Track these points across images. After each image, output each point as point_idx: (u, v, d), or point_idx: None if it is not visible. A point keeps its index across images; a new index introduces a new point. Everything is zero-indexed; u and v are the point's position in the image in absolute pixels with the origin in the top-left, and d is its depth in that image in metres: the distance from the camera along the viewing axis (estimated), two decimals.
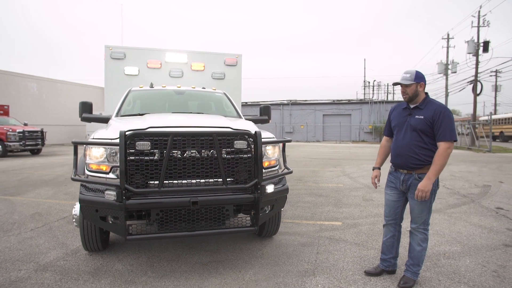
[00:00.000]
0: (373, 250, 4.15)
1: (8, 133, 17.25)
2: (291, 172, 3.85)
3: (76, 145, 3.54)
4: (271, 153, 3.81)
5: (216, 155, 3.21)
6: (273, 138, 3.90)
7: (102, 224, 3.25)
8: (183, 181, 3.21)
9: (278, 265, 3.70)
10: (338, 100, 41.02)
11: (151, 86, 5.59)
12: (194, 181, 3.24)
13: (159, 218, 3.16)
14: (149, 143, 3.06)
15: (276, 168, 3.93)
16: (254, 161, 3.31)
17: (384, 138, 3.55)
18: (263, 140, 3.59)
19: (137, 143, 3.04)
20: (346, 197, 7.31)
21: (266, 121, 5.72)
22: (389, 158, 3.43)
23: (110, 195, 2.98)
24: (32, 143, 17.85)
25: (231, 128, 3.41)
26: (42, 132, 18.42)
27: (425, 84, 3.15)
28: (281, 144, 4.07)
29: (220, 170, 3.19)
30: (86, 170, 3.40)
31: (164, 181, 3.16)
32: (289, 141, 3.88)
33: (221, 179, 3.26)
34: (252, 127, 3.66)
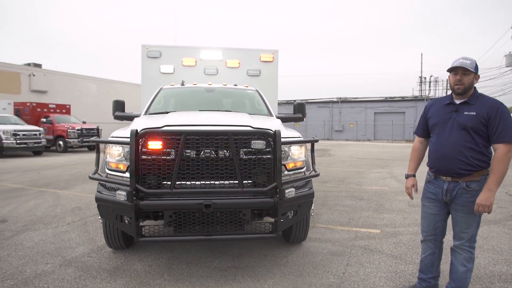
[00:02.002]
0: (412, 265, 3.68)
1: (69, 130, 18.68)
2: (317, 175, 3.52)
3: (98, 143, 3.56)
4: (297, 153, 3.51)
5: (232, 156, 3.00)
6: (299, 137, 3.60)
7: (117, 223, 3.20)
8: (197, 183, 3.05)
9: (301, 276, 3.40)
10: (390, 98, 38.92)
11: (182, 84, 5.54)
12: (208, 182, 3.06)
13: (172, 220, 3.04)
14: (161, 142, 2.94)
15: (303, 170, 3.61)
16: (273, 163, 3.05)
17: (417, 139, 3.03)
18: (287, 139, 3.32)
19: (149, 142, 2.93)
20: (389, 201, 6.74)
21: (300, 119, 5.40)
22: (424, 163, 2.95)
23: (121, 195, 2.91)
24: (89, 140, 19.12)
25: (250, 127, 3.18)
26: (98, 129, 19.65)
27: (478, 78, 2.68)
28: (309, 144, 3.76)
29: (236, 171, 2.98)
30: (106, 168, 3.38)
31: (177, 182, 3.02)
32: (316, 141, 3.55)
33: (237, 181, 3.04)
34: (275, 126, 3.41)
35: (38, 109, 20.06)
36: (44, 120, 19.37)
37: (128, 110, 5.21)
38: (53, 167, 12.37)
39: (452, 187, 2.67)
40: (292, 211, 3.35)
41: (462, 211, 2.64)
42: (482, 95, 2.67)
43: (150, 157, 2.96)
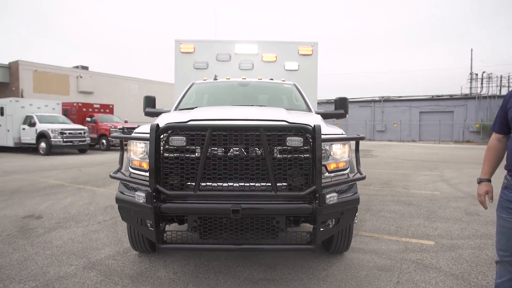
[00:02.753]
0: (478, 287, 3.08)
1: (111, 129, 19.32)
2: (363, 178, 3.03)
3: (121, 140, 3.33)
4: (340, 153, 3.05)
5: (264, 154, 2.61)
6: (343, 134, 3.14)
7: (138, 227, 2.94)
8: (225, 185, 2.69)
9: None
10: (437, 96, 36.61)
11: (215, 78, 5.25)
12: (238, 185, 2.69)
13: (196, 226, 2.71)
14: (184, 138, 2.62)
15: (346, 172, 3.14)
16: (312, 163, 2.63)
17: (494, 137, 2.46)
18: (328, 136, 2.88)
19: (171, 138, 2.62)
20: (442, 208, 6.01)
21: (342, 115, 4.89)
22: (501, 165, 2.36)
23: (140, 196, 2.62)
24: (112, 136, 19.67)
25: (285, 122, 2.78)
26: None
27: None
28: (353, 143, 3.29)
29: (268, 172, 2.59)
30: (129, 167, 3.14)
31: (203, 184, 2.69)
32: (362, 138, 3.06)
33: (270, 184, 2.65)
34: (314, 121, 2.98)
35: (84, 109, 20.97)
36: (88, 119, 20.21)
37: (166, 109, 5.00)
38: (95, 164, 12.71)
39: None
40: (333, 219, 2.90)
41: None
42: None
43: (172, 155, 2.65)
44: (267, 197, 2.62)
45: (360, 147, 3.28)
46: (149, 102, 4.97)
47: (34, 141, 16.88)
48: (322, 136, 2.73)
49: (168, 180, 2.68)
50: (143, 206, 2.63)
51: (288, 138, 2.60)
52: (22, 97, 22.43)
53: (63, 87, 25.74)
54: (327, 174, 2.91)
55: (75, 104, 21.05)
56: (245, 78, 5.23)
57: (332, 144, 2.98)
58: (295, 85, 5.15)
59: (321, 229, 2.81)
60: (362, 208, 5.91)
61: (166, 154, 2.65)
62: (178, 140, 2.61)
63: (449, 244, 4.17)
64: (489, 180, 2.43)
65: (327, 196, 2.59)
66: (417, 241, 4.28)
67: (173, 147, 2.64)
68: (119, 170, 3.15)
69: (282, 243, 2.70)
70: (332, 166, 2.98)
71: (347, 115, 5.04)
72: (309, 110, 4.53)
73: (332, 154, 2.99)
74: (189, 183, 2.72)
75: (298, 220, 2.86)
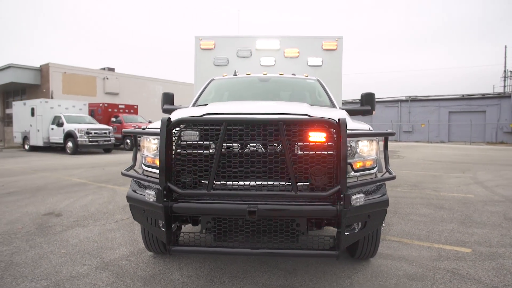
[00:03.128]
0: None
1: (135, 129, 19.59)
2: (393, 178, 2.75)
3: (135, 135, 3.19)
4: (367, 150, 2.78)
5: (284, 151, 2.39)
6: (370, 130, 2.86)
7: (150, 227, 2.78)
8: (241, 183, 2.49)
9: None
10: (468, 95, 35.02)
11: (235, 74, 5.07)
12: (255, 183, 2.48)
13: (210, 227, 2.52)
14: (197, 133, 2.44)
15: (374, 171, 2.86)
16: (336, 160, 2.38)
17: None
18: (354, 132, 2.63)
19: (183, 133, 2.45)
20: (478, 212, 5.56)
21: (369, 112, 4.59)
22: None
23: (150, 194, 2.46)
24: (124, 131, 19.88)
25: (307, 115, 2.55)
26: None
27: None
28: (382, 140, 3.01)
29: (288, 170, 2.36)
30: (142, 164, 3.00)
31: (217, 182, 2.50)
32: (392, 134, 2.78)
33: (290, 183, 2.42)
34: (340, 116, 2.73)
35: (109, 109, 21.41)
36: (113, 119, 20.60)
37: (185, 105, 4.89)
38: (118, 164, 12.86)
39: None
40: (359, 223, 2.63)
41: None
42: None
43: (185, 151, 2.48)
44: (286, 197, 2.39)
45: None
46: (168, 99, 4.86)
47: (61, 141, 17.37)
48: (348, 132, 2.49)
49: (181, 178, 2.51)
50: (153, 205, 2.47)
51: (310, 133, 2.36)
52: (52, 98, 23.20)
53: (90, 88, 26.44)
54: (352, 173, 2.65)
55: (101, 104, 21.52)
56: (266, 74, 5.02)
57: (358, 141, 2.71)
58: (318, 80, 4.90)
59: (346, 234, 2.57)
60: (390, 210, 5.56)
61: (178, 150, 2.48)
62: (191, 135, 2.44)
63: (488, 252, 3.79)
64: None
65: (353, 197, 2.33)
66: (451, 248, 3.92)
67: (185, 143, 2.47)
68: (132, 168, 3.02)
69: (302, 248, 2.46)
70: (358, 165, 2.72)
71: (374, 112, 4.74)
72: (333, 106, 4.26)
73: (358, 151, 2.73)
74: (203, 181, 2.53)
75: (321, 223, 2.61)
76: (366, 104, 4.61)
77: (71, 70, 25.63)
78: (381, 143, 2.99)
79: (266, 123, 2.38)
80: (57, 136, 17.66)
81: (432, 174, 10.13)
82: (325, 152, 2.41)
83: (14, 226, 4.72)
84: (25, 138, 19.40)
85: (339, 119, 2.33)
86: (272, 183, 2.46)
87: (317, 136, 2.35)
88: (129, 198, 2.78)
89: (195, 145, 2.46)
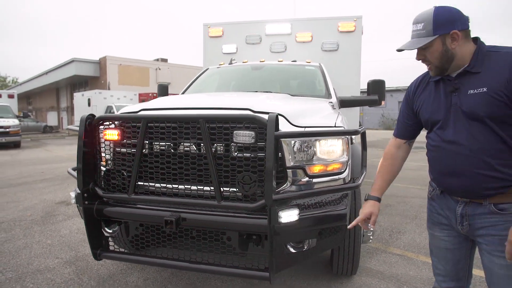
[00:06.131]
0: None
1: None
2: (355, 186, 2.25)
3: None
4: (329, 151, 2.32)
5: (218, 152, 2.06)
6: (336, 127, 2.38)
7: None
8: (169, 186, 2.21)
9: None
10: None
11: (230, 62, 4.74)
12: (183, 187, 2.18)
13: (138, 234, 2.30)
14: (117, 131, 2.20)
15: (343, 176, 2.37)
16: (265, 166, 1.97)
17: (392, 143, 1.87)
18: (303, 130, 2.20)
19: (107, 131, 2.23)
20: None
21: (376, 102, 3.98)
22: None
23: (72, 196, 2.29)
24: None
25: (250, 110, 2.18)
26: None
27: (464, 29, 1.46)
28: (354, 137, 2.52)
29: (211, 175, 2.03)
30: None
31: (148, 184, 2.25)
32: (355, 132, 2.26)
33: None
34: (290, 110, 2.32)
35: None
36: None
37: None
38: None
39: (470, 211, 1.53)
40: (309, 240, 2.21)
41: (494, 253, 1.47)
42: (496, 51, 1.45)
43: (109, 151, 2.27)
44: (209, 206, 2.06)
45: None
46: (163, 90, 4.76)
47: None
48: (295, 129, 2.08)
49: (111, 178, 2.31)
50: (78, 207, 2.31)
51: (235, 132, 1.99)
52: (109, 89, 24.79)
53: (143, 79, 27.74)
54: (306, 179, 2.23)
55: (150, 94, 22.44)
56: (263, 61, 4.62)
57: (317, 140, 2.26)
58: (320, 66, 4.37)
59: (293, 251, 2.18)
60: (410, 215, 4.89)
61: (104, 150, 2.28)
62: (112, 134, 2.21)
63: None
64: (378, 200, 1.82)
65: (281, 213, 1.92)
66: None
67: (109, 141, 2.25)
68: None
69: (233, 265, 2.11)
70: (316, 169, 2.27)
71: (383, 102, 4.11)
72: (328, 95, 3.75)
73: (317, 152, 2.28)
74: (143, 183, 2.30)
75: (260, 238, 2.23)
76: (373, 93, 4.01)
77: (126, 62, 27.08)
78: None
79: (188, 120, 2.06)
80: None
81: None
82: (256, 155, 2.02)
83: (25, 214, 4.98)
84: None
85: (269, 116, 1.92)
86: (202, 188, 2.14)
87: (243, 136, 1.97)
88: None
89: (118, 144, 2.24)
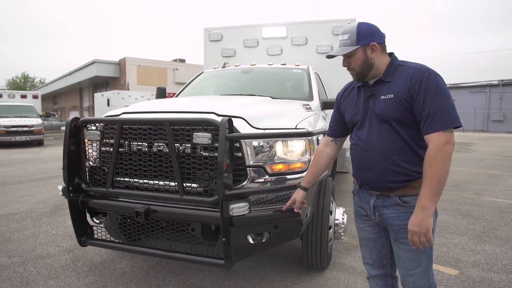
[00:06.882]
0: None
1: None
2: (298, 184, 2.46)
3: None
4: (290, 151, 2.55)
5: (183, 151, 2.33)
6: (298, 129, 2.59)
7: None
8: (141, 182, 2.49)
9: None
10: None
11: (224, 66, 4.99)
12: (153, 182, 2.46)
13: (118, 223, 2.59)
14: (98, 132, 2.50)
15: (304, 174, 2.59)
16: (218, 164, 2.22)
17: (323, 141, 2.13)
18: (257, 132, 2.44)
19: (87, 132, 2.53)
20: (508, 225, 4.66)
21: None
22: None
23: (59, 189, 2.62)
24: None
25: (215, 114, 2.43)
26: None
27: (381, 42, 1.74)
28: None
29: (174, 172, 2.29)
30: None
31: (124, 179, 2.54)
32: (307, 134, 2.47)
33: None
34: (253, 113, 2.56)
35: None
36: None
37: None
38: None
39: (380, 203, 1.78)
40: (266, 233, 2.44)
41: (400, 240, 1.75)
42: (402, 65, 1.71)
43: (91, 150, 2.58)
44: (173, 200, 2.33)
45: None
46: (161, 92, 5.06)
47: None
48: (254, 131, 2.33)
49: (94, 174, 2.61)
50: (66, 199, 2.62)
51: (194, 133, 2.24)
52: (128, 89, 25.62)
53: (162, 79, 28.47)
54: (266, 177, 2.45)
55: (167, 94, 23.07)
56: (254, 64, 4.84)
57: (277, 141, 2.49)
58: (307, 69, 4.55)
59: (252, 242, 2.41)
60: None
61: (87, 148, 2.58)
62: (93, 135, 2.51)
63: (478, 278, 3.17)
64: (305, 189, 2.11)
65: (232, 206, 2.15)
66: (435, 267, 3.37)
67: (90, 142, 2.56)
68: None
69: (193, 253, 2.36)
70: (276, 168, 2.50)
71: None
72: (311, 97, 3.94)
73: (278, 153, 2.50)
74: (124, 179, 2.60)
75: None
76: None
77: (145, 62, 27.90)
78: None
79: (155, 122, 2.33)
80: None
81: (491, 173, 8.74)
82: (213, 154, 2.27)
83: (37, 206, 5.41)
84: None
85: (221, 119, 2.15)
86: (168, 183, 2.41)
87: (201, 137, 2.21)
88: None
89: (99, 144, 2.54)
